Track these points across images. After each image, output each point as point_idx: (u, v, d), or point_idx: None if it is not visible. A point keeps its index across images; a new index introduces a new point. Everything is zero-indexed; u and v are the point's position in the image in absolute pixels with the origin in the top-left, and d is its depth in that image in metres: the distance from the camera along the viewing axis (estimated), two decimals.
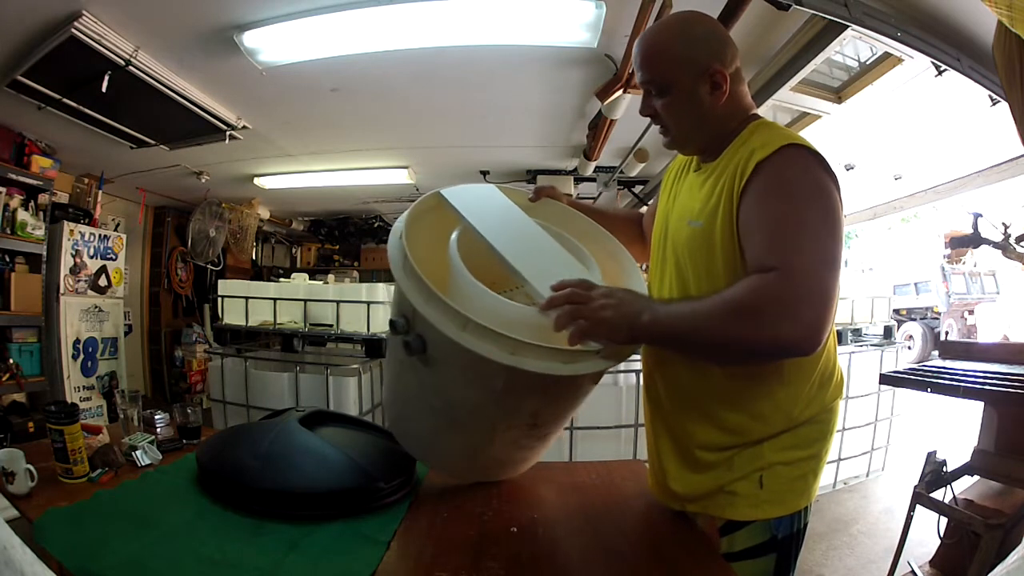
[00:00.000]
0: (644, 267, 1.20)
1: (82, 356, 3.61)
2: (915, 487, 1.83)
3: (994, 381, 1.74)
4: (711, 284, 0.90)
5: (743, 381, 0.91)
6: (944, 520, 1.80)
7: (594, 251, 1.13)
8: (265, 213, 5.63)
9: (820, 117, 2.78)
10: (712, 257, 0.91)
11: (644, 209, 1.29)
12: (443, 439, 1.09)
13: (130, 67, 2.27)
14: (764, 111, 2.57)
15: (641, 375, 1.10)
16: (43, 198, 3.33)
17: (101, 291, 3.78)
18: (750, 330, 0.77)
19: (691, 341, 0.84)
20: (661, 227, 1.06)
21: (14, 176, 3.13)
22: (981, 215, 6.60)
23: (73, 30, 1.99)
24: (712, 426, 0.94)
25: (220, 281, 3.89)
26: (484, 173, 4.13)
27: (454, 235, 1.03)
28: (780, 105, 2.68)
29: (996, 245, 6.42)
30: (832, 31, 1.83)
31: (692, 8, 0.99)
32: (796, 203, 0.83)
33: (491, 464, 1.12)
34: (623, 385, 2.69)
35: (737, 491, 0.91)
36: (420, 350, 0.90)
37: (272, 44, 2.17)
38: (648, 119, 1.02)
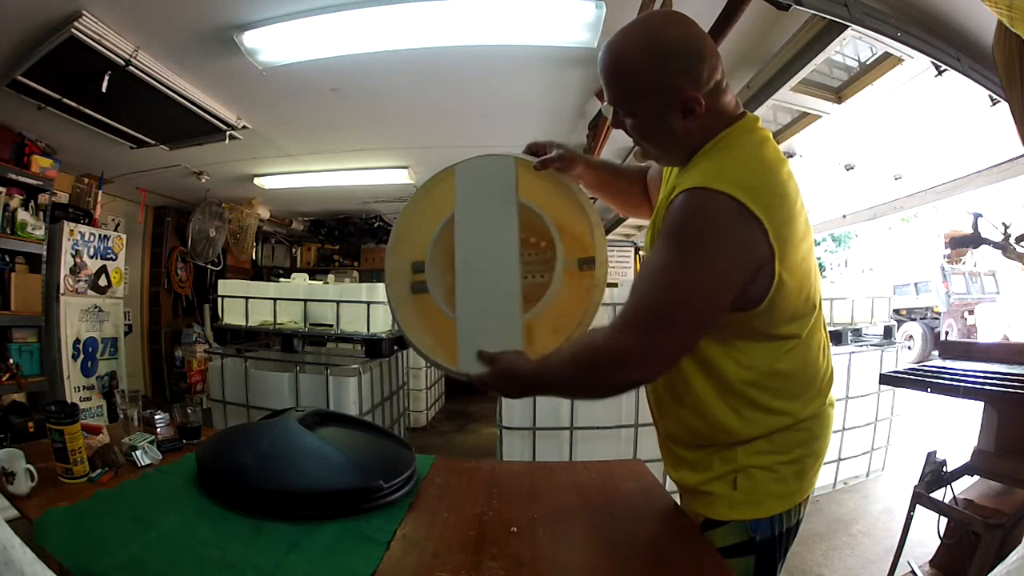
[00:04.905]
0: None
1: (82, 356, 3.61)
2: (915, 487, 1.83)
3: (994, 381, 1.74)
4: None
5: (697, 395, 0.93)
6: (944, 520, 1.80)
7: (569, 231, 1.11)
8: (265, 213, 5.63)
9: (820, 117, 2.78)
10: None
11: (651, 168, 1.21)
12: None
13: (130, 67, 2.27)
14: (764, 111, 2.57)
15: None
16: (43, 198, 3.33)
17: (101, 291, 3.78)
18: (590, 381, 0.91)
19: (559, 391, 1.04)
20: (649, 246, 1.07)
21: (14, 176, 3.13)
22: (981, 215, 6.59)
23: (73, 30, 1.99)
24: (683, 429, 0.98)
25: (220, 281, 3.89)
26: None
27: (434, 234, 1.24)
28: (780, 105, 2.68)
29: (996, 245, 6.41)
30: (832, 31, 1.82)
31: (693, 10, 0.93)
32: (669, 249, 0.82)
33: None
34: None
35: (713, 491, 0.93)
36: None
37: (272, 44, 2.17)
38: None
